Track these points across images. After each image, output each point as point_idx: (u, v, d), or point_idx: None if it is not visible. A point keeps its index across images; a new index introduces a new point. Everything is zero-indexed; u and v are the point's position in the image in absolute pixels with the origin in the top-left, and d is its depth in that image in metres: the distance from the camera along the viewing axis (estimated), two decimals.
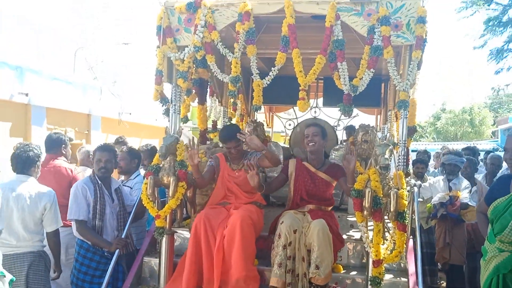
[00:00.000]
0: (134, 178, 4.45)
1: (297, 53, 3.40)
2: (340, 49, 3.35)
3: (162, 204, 3.65)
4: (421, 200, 5.11)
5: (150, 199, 3.53)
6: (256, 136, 3.88)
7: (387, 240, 3.31)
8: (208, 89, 5.14)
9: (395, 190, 3.09)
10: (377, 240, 3.11)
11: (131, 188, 4.33)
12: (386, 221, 3.44)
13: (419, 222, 3.57)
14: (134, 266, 3.69)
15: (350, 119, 6.24)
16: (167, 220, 3.59)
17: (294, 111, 6.84)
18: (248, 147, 3.70)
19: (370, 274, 3.17)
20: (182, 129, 3.86)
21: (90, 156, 4.80)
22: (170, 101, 3.82)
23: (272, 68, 3.51)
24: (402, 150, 3.56)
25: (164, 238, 3.57)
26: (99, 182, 3.75)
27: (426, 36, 3.42)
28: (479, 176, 6.00)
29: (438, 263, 5.26)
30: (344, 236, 3.67)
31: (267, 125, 7.23)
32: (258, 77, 3.57)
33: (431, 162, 8.18)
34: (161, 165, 3.59)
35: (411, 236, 3.61)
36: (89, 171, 4.59)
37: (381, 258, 3.10)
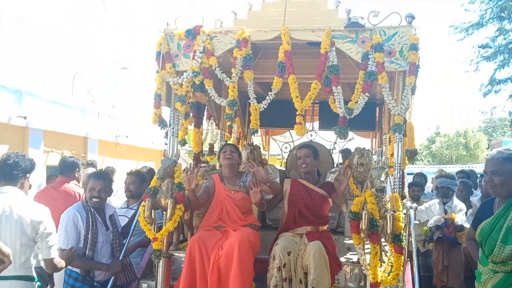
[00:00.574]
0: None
1: (293, 79, 3.47)
2: (335, 74, 3.43)
3: (159, 227, 3.65)
4: (418, 222, 5.13)
5: (148, 221, 3.53)
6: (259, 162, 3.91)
7: (384, 262, 3.31)
8: (205, 113, 5.20)
9: (392, 212, 3.12)
10: (375, 263, 3.12)
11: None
12: (383, 243, 3.46)
13: (415, 244, 3.59)
14: None
15: (345, 142, 6.31)
16: (164, 242, 3.58)
17: (291, 134, 6.90)
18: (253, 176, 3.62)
19: None
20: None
21: None
22: (168, 124, 3.88)
23: (269, 93, 3.57)
24: (397, 173, 3.60)
25: (161, 261, 3.55)
26: (92, 209, 3.54)
27: (419, 62, 3.52)
28: (474, 199, 6.03)
29: (436, 287, 5.23)
30: (342, 259, 3.67)
31: (264, 148, 7.27)
32: (255, 101, 3.63)
33: (429, 185, 8.21)
34: (158, 188, 3.61)
35: (408, 259, 3.62)
36: None
37: (379, 280, 3.10)
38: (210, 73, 3.67)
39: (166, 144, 3.90)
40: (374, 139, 6.96)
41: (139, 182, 4.46)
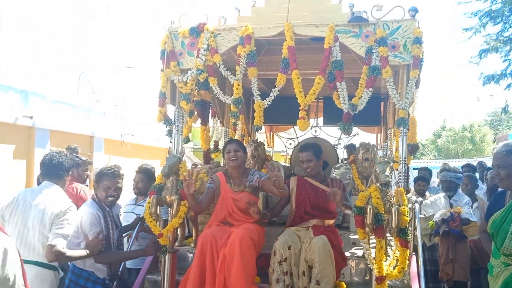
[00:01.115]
0: None
1: (296, 75, 3.47)
2: (339, 69, 3.43)
3: (164, 223, 3.68)
4: (423, 216, 5.13)
5: (153, 217, 3.56)
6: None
7: (389, 256, 3.32)
8: (210, 110, 5.22)
9: (397, 206, 3.12)
10: (380, 257, 3.12)
11: None
12: (389, 237, 3.46)
13: (421, 238, 3.59)
14: (136, 284, 3.69)
15: (350, 138, 6.31)
16: (169, 238, 3.61)
17: (295, 130, 6.90)
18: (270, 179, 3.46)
19: None
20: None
21: None
22: (173, 122, 3.90)
23: (273, 89, 3.58)
24: (402, 168, 3.60)
25: (166, 256, 3.58)
26: (107, 208, 3.51)
27: (422, 55, 3.50)
28: (480, 193, 6.02)
29: (442, 281, 5.23)
30: (347, 254, 3.68)
31: (268, 145, 7.28)
32: (259, 98, 3.64)
33: (434, 179, 8.18)
34: (164, 184, 3.63)
35: (413, 253, 3.62)
36: None
37: (384, 274, 3.11)
38: (214, 70, 3.68)
39: (171, 142, 3.92)
40: (379, 134, 6.95)
41: (148, 180, 4.50)
